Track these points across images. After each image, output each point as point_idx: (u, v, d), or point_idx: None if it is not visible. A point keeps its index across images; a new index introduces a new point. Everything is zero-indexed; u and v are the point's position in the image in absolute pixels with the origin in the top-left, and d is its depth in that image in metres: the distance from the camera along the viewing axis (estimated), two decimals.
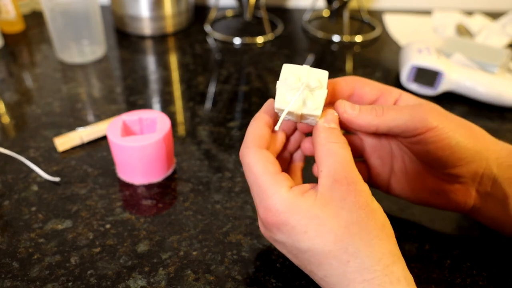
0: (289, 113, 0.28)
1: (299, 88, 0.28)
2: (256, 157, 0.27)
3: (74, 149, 0.47)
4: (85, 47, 0.66)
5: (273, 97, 0.29)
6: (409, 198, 0.35)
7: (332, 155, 0.26)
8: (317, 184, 0.26)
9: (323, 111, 0.28)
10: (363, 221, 0.24)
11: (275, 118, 0.30)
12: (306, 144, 0.33)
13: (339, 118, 0.29)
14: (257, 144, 0.28)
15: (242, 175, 0.44)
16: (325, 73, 0.28)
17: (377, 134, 0.34)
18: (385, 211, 0.40)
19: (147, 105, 0.56)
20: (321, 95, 0.28)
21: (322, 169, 0.26)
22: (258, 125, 0.29)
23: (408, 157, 0.34)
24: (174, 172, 0.44)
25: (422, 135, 0.29)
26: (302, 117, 0.29)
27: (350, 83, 0.32)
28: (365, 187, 0.26)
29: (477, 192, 0.32)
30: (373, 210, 0.25)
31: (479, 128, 0.31)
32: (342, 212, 0.25)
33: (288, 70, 0.28)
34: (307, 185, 0.27)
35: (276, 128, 0.28)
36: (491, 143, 0.31)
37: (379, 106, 0.29)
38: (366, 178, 0.35)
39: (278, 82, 0.28)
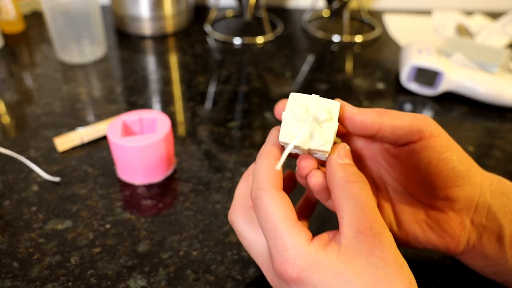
0: (296, 147, 0.26)
1: (306, 120, 0.25)
2: (275, 202, 0.25)
3: (74, 149, 0.48)
4: (85, 47, 0.66)
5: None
6: (397, 235, 0.30)
7: (353, 199, 0.24)
8: (338, 233, 0.24)
9: (333, 145, 0.26)
10: (391, 279, 0.22)
11: (282, 149, 0.27)
12: (314, 180, 0.27)
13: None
14: (274, 185, 0.25)
15: (242, 175, 0.44)
16: (337, 104, 0.26)
17: (363, 154, 0.31)
18: None
19: (147, 105, 0.56)
20: (331, 128, 0.25)
21: (343, 215, 0.24)
22: (270, 162, 0.26)
23: (395, 184, 0.30)
24: (174, 172, 0.44)
25: (426, 140, 0.26)
26: (309, 151, 0.27)
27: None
28: (391, 239, 0.23)
29: (472, 223, 0.28)
30: (401, 266, 0.23)
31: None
32: (368, 269, 0.22)
33: (295, 100, 0.26)
34: (326, 236, 0.25)
35: (278, 167, 0.25)
36: (482, 170, 0.29)
37: (381, 108, 0.27)
38: None
39: (284, 113, 0.26)
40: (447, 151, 0.26)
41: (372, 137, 0.27)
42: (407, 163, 0.27)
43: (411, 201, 0.30)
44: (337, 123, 0.26)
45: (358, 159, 0.31)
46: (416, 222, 0.30)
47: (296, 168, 0.27)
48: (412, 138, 0.26)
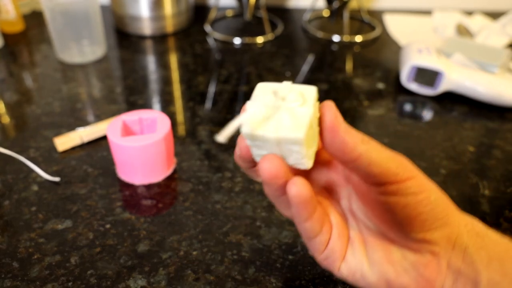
0: (263, 142, 0.21)
1: (275, 105, 0.22)
2: None
3: (74, 149, 0.47)
4: (85, 47, 0.66)
5: None
6: (367, 278, 0.27)
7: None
8: None
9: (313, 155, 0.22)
10: None
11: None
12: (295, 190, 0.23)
13: (320, 124, 0.23)
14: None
15: (242, 175, 0.44)
16: (313, 88, 0.22)
17: (335, 182, 0.28)
18: None
19: (147, 105, 0.56)
20: (305, 114, 0.21)
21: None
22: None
23: (368, 221, 0.27)
24: (174, 172, 0.44)
25: (403, 183, 0.23)
26: (280, 149, 0.22)
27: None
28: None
29: (449, 266, 0.26)
30: None
31: None
32: None
33: (263, 89, 0.22)
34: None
35: (220, 138, 0.22)
36: (456, 209, 0.26)
37: (366, 137, 0.23)
38: (325, 244, 0.26)
39: (248, 102, 0.22)
40: (425, 191, 0.24)
41: (344, 164, 0.23)
42: (382, 203, 0.24)
43: (386, 240, 0.27)
44: (313, 109, 0.22)
45: (328, 187, 0.28)
46: (390, 263, 0.26)
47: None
48: (386, 179, 0.23)
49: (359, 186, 0.25)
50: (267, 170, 0.22)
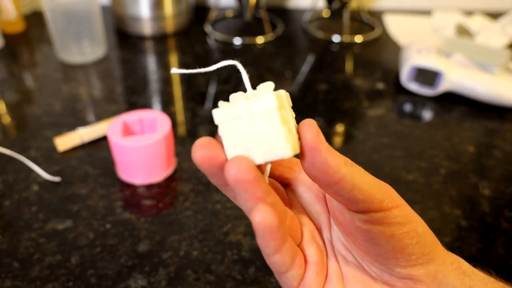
0: (235, 117, 0.20)
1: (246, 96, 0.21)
2: None
3: (74, 149, 0.48)
4: (86, 47, 0.67)
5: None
6: None
7: None
8: None
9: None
10: None
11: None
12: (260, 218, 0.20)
13: (300, 144, 0.20)
14: None
15: None
16: (270, 83, 0.21)
17: (311, 210, 0.26)
18: None
19: (147, 105, 0.56)
20: (268, 87, 0.21)
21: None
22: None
23: (347, 254, 0.25)
24: (175, 172, 0.44)
25: (388, 211, 0.21)
26: (255, 130, 0.20)
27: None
28: None
29: None
30: None
31: None
32: None
33: (222, 109, 0.21)
34: None
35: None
36: (441, 246, 0.25)
37: (349, 160, 0.21)
38: (298, 281, 0.23)
39: (219, 132, 0.21)
40: (411, 222, 0.22)
41: (325, 187, 0.21)
42: (365, 232, 0.22)
43: (367, 277, 0.25)
44: (284, 95, 0.21)
45: (304, 214, 0.25)
46: None
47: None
48: (370, 206, 0.21)
49: (340, 214, 0.23)
50: (234, 174, 0.19)
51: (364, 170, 0.21)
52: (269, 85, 0.21)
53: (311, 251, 0.24)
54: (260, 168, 0.21)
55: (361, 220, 0.22)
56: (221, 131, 0.21)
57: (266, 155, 0.20)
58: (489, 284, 0.24)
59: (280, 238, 0.20)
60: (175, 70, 0.21)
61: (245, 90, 0.22)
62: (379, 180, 0.22)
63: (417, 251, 0.22)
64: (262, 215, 0.19)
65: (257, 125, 0.20)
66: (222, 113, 0.20)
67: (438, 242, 0.23)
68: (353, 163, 0.21)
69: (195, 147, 0.20)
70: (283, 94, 0.21)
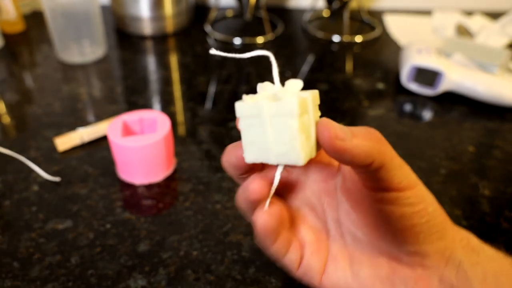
0: (257, 114, 0.20)
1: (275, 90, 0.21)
2: None
3: (74, 149, 0.48)
4: (86, 47, 0.67)
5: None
6: None
7: None
8: None
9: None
10: None
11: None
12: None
13: (318, 144, 0.21)
14: None
15: None
16: (298, 82, 0.22)
17: (319, 187, 0.26)
18: None
19: (147, 105, 0.56)
20: (304, 95, 0.21)
21: None
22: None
23: (355, 231, 0.25)
24: (174, 172, 0.44)
25: (403, 192, 0.22)
26: (274, 131, 0.20)
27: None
28: None
29: (441, 282, 0.24)
30: None
31: None
32: None
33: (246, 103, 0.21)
34: None
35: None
36: (452, 222, 0.25)
37: (373, 131, 0.22)
38: (298, 262, 0.25)
39: (240, 124, 0.21)
40: (422, 202, 0.23)
41: (352, 167, 0.22)
42: (375, 211, 0.23)
43: (373, 253, 0.25)
44: (311, 97, 0.21)
45: (310, 192, 0.26)
46: (377, 278, 0.25)
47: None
48: (389, 186, 0.22)
49: (354, 193, 0.24)
50: (253, 190, 0.21)
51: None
52: (297, 84, 0.21)
53: (304, 233, 0.25)
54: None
55: (374, 200, 0.23)
56: (241, 125, 0.21)
57: (279, 158, 0.20)
58: (497, 260, 0.25)
59: (275, 235, 0.23)
60: (214, 51, 0.22)
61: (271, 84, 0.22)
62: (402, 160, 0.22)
63: (426, 229, 0.23)
64: (263, 220, 0.22)
65: (275, 128, 0.20)
66: (244, 108, 0.20)
67: (448, 220, 0.24)
68: (380, 138, 0.21)
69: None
70: (309, 97, 0.21)
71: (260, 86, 0.22)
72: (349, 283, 0.25)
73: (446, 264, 0.24)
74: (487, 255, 0.25)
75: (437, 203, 0.23)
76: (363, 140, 0.20)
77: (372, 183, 0.22)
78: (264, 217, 0.22)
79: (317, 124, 0.20)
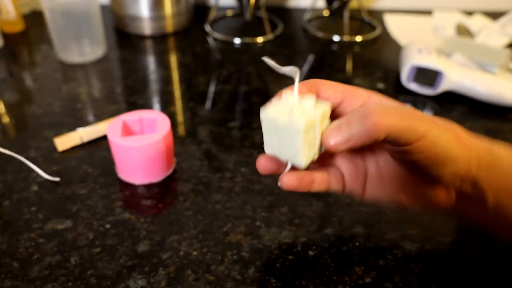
0: (274, 126, 0.26)
1: (293, 103, 0.26)
2: None
3: (74, 149, 0.47)
4: (85, 47, 0.66)
5: (273, 96, 0.28)
6: (385, 202, 0.32)
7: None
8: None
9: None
10: None
11: None
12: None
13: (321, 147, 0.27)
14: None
15: (242, 175, 0.44)
16: (328, 104, 0.27)
17: None
18: (385, 210, 0.40)
19: (147, 105, 0.56)
20: (314, 115, 0.26)
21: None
22: None
23: (383, 160, 0.31)
24: (174, 172, 0.44)
25: (411, 145, 0.25)
26: (285, 139, 0.26)
27: (312, 86, 0.29)
28: None
29: (458, 194, 0.30)
30: None
31: (460, 128, 0.29)
32: None
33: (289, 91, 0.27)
34: None
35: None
36: (472, 143, 0.29)
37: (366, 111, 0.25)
38: (341, 186, 0.32)
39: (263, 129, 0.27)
40: (433, 147, 0.26)
41: None
42: (398, 155, 0.28)
43: (400, 175, 0.30)
44: (321, 115, 0.26)
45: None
46: (404, 192, 0.31)
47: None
48: (399, 143, 0.26)
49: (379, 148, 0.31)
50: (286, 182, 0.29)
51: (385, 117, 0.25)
52: (311, 101, 0.26)
53: (343, 168, 0.32)
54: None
55: (387, 150, 0.29)
56: (263, 127, 0.27)
57: (288, 159, 0.27)
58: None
59: (304, 186, 0.30)
60: (267, 60, 0.26)
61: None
62: (403, 119, 0.25)
63: (436, 164, 0.27)
64: (282, 183, 0.29)
65: (286, 138, 0.26)
66: (266, 116, 0.26)
67: (465, 147, 0.28)
68: (375, 114, 0.25)
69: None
70: (317, 116, 0.26)
71: (284, 94, 0.27)
72: (383, 196, 0.31)
73: (462, 181, 0.28)
74: (503, 167, 0.29)
75: (450, 141, 0.27)
76: (360, 127, 0.24)
77: (387, 145, 0.27)
78: (284, 180, 0.29)
79: (322, 134, 0.26)
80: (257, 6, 0.76)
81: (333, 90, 0.30)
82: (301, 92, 0.28)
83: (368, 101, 0.30)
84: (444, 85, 0.58)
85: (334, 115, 0.30)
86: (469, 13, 0.86)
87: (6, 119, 0.53)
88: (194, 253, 0.36)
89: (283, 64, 0.26)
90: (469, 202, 0.30)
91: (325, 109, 0.26)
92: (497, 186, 0.29)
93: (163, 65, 0.68)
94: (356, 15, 0.86)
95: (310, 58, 0.71)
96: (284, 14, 0.88)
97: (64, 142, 0.47)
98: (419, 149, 0.25)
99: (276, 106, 0.26)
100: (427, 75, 0.59)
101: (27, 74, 0.63)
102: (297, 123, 0.25)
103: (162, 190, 0.42)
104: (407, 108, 0.27)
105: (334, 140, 0.25)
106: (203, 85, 0.61)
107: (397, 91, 0.61)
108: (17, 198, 0.41)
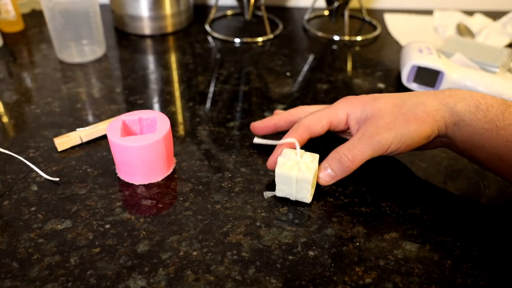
0: (288, 179, 0.38)
1: (296, 159, 0.38)
2: None
3: (73, 149, 0.47)
4: (85, 47, 0.66)
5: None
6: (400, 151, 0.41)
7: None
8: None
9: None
10: None
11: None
12: None
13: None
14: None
15: (242, 175, 0.44)
16: (317, 155, 0.39)
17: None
18: (385, 209, 0.40)
19: (147, 105, 0.56)
20: (314, 167, 0.38)
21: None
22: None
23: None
24: (174, 172, 0.44)
25: (385, 154, 0.40)
26: (297, 186, 0.38)
27: (304, 133, 0.42)
28: None
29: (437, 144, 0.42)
30: None
31: (420, 101, 0.39)
32: None
33: (287, 150, 0.40)
34: None
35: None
36: (436, 113, 0.38)
37: (343, 156, 0.39)
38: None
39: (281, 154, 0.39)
40: (403, 147, 0.39)
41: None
42: None
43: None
44: (317, 166, 0.39)
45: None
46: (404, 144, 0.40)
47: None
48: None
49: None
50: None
51: (360, 151, 0.39)
52: (314, 159, 0.39)
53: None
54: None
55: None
56: (276, 179, 0.39)
57: (296, 198, 0.40)
58: (472, 124, 0.38)
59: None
60: (259, 141, 0.40)
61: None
62: (372, 143, 0.39)
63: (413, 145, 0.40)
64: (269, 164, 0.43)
65: (298, 186, 0.38)
66: (280, 171, 0.38)
67: (429, 124, 0.39)
68: (351, 157, 0.39)
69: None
70: (316, 167, 0.39)
71: (285, 152, 0.39)
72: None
73: (435, 141, 0.41)
74: (465, 122, 0.38)
75: (410, 130, 0.38)
76: (339, 170, 0.40)
77: None
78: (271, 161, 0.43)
79: (316, 174, 0.40)
80: (257, 6, 0.76)
81: (320, 126, 0.42)
82: (298, 137, 0.40)
83: (349, 119, 0.42)
84: (444, 85, 0.58)
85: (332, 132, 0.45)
86: (470, 13, 0.86)
87: (5, 119, 0.53)
88: (194, 253, 0.36)
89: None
90: (447, 146, 0.41)
91: (317, 158, 0.39)
92: (461, 137, 0.38)
93: (163, 65, 0.68)
94: (356, 15, 0.86)
95: (310, 58, 0.71)
96: (284, 13, 0.87)
97: (63, 142, 0.47)
98: (393, 153, 0.39)
99: (284, 163, 0.38)
100: (427, 75, 0.59)
101: (27, 74, 0.63)
102: (307, 176, 0.37)
103: (162, 190, 0.42)
104: (368, 124, 0.39)
105: (325, 182, 0.41)
106: (203, 85, 0.61)
107: (397, 91, 0.61)
108: (17, 198, 0.41)
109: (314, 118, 0.42)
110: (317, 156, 0.39)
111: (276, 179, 0.38)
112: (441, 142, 0.41)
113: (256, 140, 0.39)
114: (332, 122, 0.42)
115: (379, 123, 0.38)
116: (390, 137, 0.38)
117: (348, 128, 0.43)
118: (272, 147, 0.45)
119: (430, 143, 0.41)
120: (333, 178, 0.40)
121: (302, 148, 0.40)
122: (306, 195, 0.38)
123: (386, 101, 0.40)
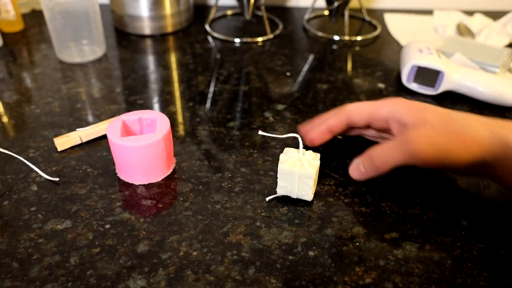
0: (291, 175, 0.38)
1: (299, 157, 0.39)
2: None
3: (73, 149, 0.47)
4: (85, 47, 0.66)
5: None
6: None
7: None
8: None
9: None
10: None
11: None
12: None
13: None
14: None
15: (242, 175, 0.44)
16: (318, 154, 0.40)
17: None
18: (385, 209, 0.40)
19: (146, 105, 0.56)
20: (316, 163, 0.39)
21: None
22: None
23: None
24: (174, 172, 0.44)
25: (418, 165, 0.38)
26: (299, 183, 0.39)
27: (343, 119, 0.42)
28: None
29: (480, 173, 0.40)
30: None
31: (461, 123, 0.37)
32: None
33: (289, 149, 0.40)
34: None
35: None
36: (483, 140, 0.36)
37: (369, 157, 0.39)
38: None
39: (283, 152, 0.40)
40: (435, 162, 0.38)
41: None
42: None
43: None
44: (319, 163, 0.39)
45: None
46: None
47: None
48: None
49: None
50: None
51: (390, 155, 0.38)
52: (315, 156, 0.39)
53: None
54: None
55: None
56: (279, 176, 0.39)
57: (297, 196, 0.40)
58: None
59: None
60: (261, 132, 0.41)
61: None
62: (405, 147, 0.37)
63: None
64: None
65: (300, 182, 0.38)
66: (283, 168, 0.38)
67: (467, 146, 0.36)
68: (376, 157, 0.39)
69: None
70: (318, 163, 0.39)
71: (287, 150, 0.40)
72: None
73: (479, 170, 0.38)
74: None
75: (454, 145, 0.36)
76: (371, 170, 0.40)
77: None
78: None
79: (318, 172, 0.40)
80: (257, 6, 0.76)
81: (359, 117, 0.41)
82: (335, 122, 0.43)
83: (390, 120, 0.40)
84: (444, 85, 0.58)
85: (367, 129, 0.46)
86: (470, 13, 0.86)
87: (5, 119, 0.53)
88: (194, 253, 0.36)
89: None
90: (491, 178, 0.39)
91: (318, 156, 0.39)
92: (510, 170, 0.36)
93: (163, 65, 0.68)
94: (356, 15, 0.86)
95: (310, 58, 0.70)
96: (284, 13, 0.87)
97: (63, 142, 0.47)
98: (426, 167, 0.38)
99: (286, 159, 0.38)
100: (427, 75, 0.59)
101: (27, 74, 0.63)
102: (309, 172, 0.37)
103: (162, 190, 0.42)
104: (410, 131, 0.38)
105: (354, 176, 0.41)
106: (203, 85, 0.61)
107: (397, 91, 0.61)
108: (17, 198, 0.41)
109: (357, 106, 0.42)
110: (318, 154, 0.39)
111: (279, 176, 0.38)
112: (483, 172, 0.38)
113: (261, 132, 0.40)
114: (372, 116, 0.41)
115: (421, 133, 0.36)
116: (429, 150, 0.35)
117: (383, 130, 0.43)
118: (275, 145, 0.45)
119: (469, 170, 0.37)
120: (363, 175, 0.40)
121: (304, 148, 0.41)
122: (308, 192, 0.39)
123: (434, 114, 0.38)
